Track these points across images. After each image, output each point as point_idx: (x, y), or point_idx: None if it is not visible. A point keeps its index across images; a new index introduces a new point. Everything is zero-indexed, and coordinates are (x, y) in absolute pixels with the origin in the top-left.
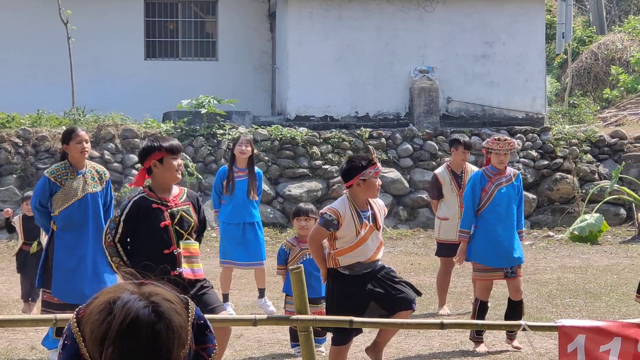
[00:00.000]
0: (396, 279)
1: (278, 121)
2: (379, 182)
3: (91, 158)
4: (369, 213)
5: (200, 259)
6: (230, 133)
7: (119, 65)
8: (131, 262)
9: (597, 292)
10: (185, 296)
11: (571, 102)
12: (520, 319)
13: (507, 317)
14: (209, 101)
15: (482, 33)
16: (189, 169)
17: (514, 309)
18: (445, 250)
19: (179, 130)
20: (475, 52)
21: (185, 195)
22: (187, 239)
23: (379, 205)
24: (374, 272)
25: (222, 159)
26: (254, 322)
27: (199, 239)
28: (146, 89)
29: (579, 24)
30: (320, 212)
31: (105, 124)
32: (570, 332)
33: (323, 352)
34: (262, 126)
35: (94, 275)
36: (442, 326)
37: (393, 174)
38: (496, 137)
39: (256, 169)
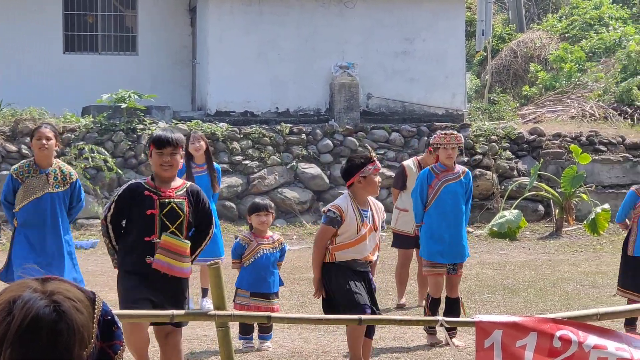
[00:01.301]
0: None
1: (198, 116)
2: (379, 179)
3: (7, 152)
4: (369, 213)
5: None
6: (151, 128)
7: (37, 59)
8: (120, 244)
9: (515, 288)
10: (93, 292)
11: (491, 98)
12: (458, 315)
13: (445, 315)
14: (129, 96)
15: (402, 29)
16: (108, 164)
17: (452, 306)
18: (400, 241)
19: (99, 125)
20: (395, 49)
21: (184, 189)
22: (172, 232)
23: (379, 207)
24: (367, 277)
25: (142, 154)
26: (171, 318)
27: (200, 236)
28: (65, 83)
29: (498, 21)
30: (322, 210)
31: (22, 118)
32: (487, 328)
33: (270, 347)
34: (182, 121)
35: (49, 273)
36: (360, 322)
37: (313, 169)
38: (443, 132)
39: (215, 163)
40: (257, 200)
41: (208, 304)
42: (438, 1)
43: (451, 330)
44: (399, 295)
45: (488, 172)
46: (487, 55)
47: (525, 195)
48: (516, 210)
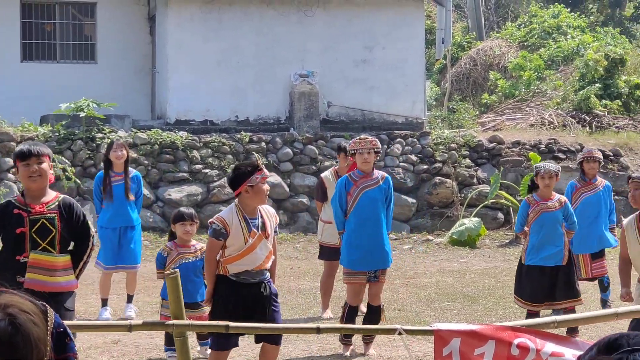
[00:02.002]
0: (275, 307)
1: (158, 125)
2: (266, 187)
3: None
4: (259, 221)
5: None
6: (110, 137)
7: None
8: None
9: (475, 296)
10: (43, 303)
11: (450, 107)
12: (377, 323)
13: (365, 323)
14: (88, 105)
15: (362, 38)
16: (67, 173)
17: (372, 314)
18: (327, 253)
19: (57, 134)
20: (355, 57)
21: (56, 203)
22: (44, 248)
23: (270, 213)
24: (262, 288)
25: (102, 163)
26: (129, 328)
27: (80, 249)
28: (23, 92)
29: (458, 29)
30: (209, 222)
31: None
32: (446, 336)
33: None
34: (142, 130)
35: None
36: (318, 331)
37: (273, 178)
38: (358, 138)
39: (134, 171)
40: (182, 209)
41: (131, 310)
42: (397, 10)
43: (368, 337)
44: (324, 307)
45: (448, 180)
46: (446, 63)
47: (485, 203)
48: (476, 218)
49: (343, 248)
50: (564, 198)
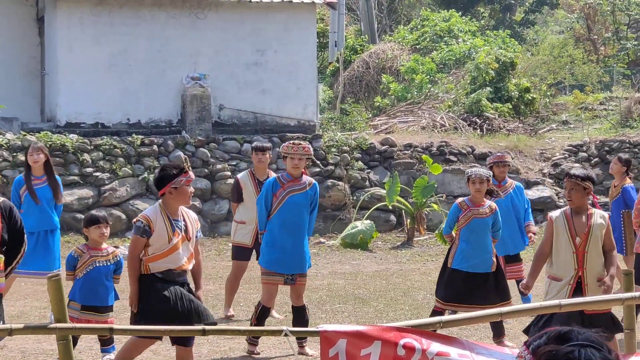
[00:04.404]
0: (194, 305)
1: (48, 128)
2: (191, 189)
3: None
4: (182, 223)
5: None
6: None
7: None
8: None
9: (366, 298)
10: None
11: (343, 109)
12: (306, 324)
13: (294, 324)
14: None
15: (254, 41)
16: None
17: (298, 314)
18: (239, 253)
19: None
20: (247, 60)
21: None
22: None
23: (192, 217)
24: (184, 287)
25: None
26: (10, 332)
27: (13, 252)
28: None
29: (351, 33)
30: (133, 221)
31: None
32: (332, 337)
33: (112, 358)
34: (31, 133)
35: None
36: (203, 332)
37: None
38: (292, 142)
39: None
40: (94, 212)
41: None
42: (289, 13)
43: (302, 340)
44: (227, 304)
45: (340, 183)
46: (339, 66)
47: (377, 205)
48: (368, 221)
49: (263, 248)
50: (494, 205)
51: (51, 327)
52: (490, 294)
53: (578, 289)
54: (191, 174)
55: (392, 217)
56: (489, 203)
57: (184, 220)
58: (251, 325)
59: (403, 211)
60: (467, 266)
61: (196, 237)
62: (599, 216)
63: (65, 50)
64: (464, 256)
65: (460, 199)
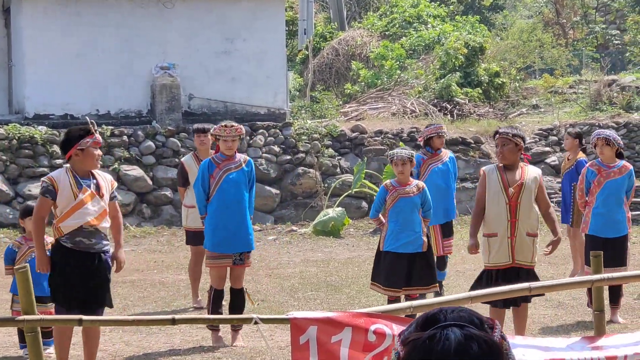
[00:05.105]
0: (105, 283)
1: (16, 120)
2: (98, 152)
3: None
4: (92, 182)
5: None
6: None
7: None
8: None
9: (339, 285)
10: None
11: (313, 97)
12: (242, 308)
13: (231, 308)
14: None
15: (222, 29)
16: None
17: (236, 297)
18: (193, 238)
19: None
20: (216, 49)
21: None
22: None
23: (106, 178)
24: (97, 260)
25: None
26: None
27: None
28: None
29: (320, 20)
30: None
31: None
32: (302, 324)
33: (52, 354)
34: None
35: None
36: (173, 322)
37: (136, 171)
38: (223, 124)
39: None
40: (30, 203)
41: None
42: (258, 1)
43: (237, 327)
44: (194, 293)
45: (311, 170)
46: (309, 54)
47: (349, 192)
48: (340, 208)
49: (207, 231)
50: (421, 184)
51: (20, 319)
52: (423, 275)
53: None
54: (98, 136)
55: (364, 204)
56: (415, 182)
57: (96, 179)
58: (208, 313)
59: (374, 197)
60: (398, 246)
61: (113, 197)
62: (532, 170)
63: (31, 41)
64: (394, 237)
65: (387, 181)
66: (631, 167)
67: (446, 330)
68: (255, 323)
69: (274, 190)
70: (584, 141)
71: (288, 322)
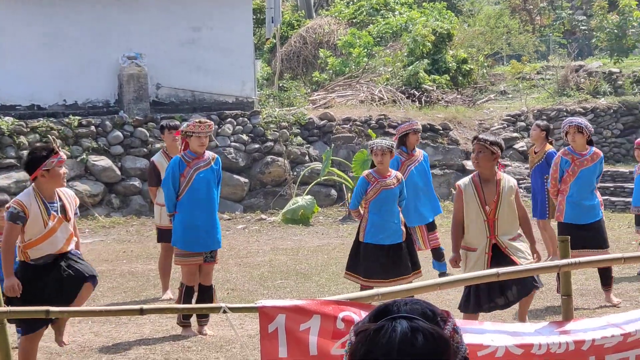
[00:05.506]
0: (80, 265)
1: None
2: (64, 170)
3: None
4: (58, 205)
5: None
6: None
7: None
8: None
9: (308, 273)
10: None
11: (281, 85)
12: (211, 302)
13: (198, 303)
14: None
15: (189, 18)
16: None
17: (205, 294)
18: (166, 236)
19: None
20: (183, 38)
21: None
22: None
23: (69, 196)
24: (61, 270)
25: None
26: None
27: None
28: None
29: (287, 8)
30: (5, 206)
31: None
32: (270, 312)
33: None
34: None
35: None
36: (141, 312)
37: (104, 162)
38: (197, 120)
39: None
40: None
41: None
42: None
43: (203, 319)
44: (163, 288)
45: (280, 159)
46: (276, 42)
47: (318, 180)
48: (309, 196)
49: (176, 230)
50: (400, 175)
51: None
52: (406, 264)
53: (495, 257)
54: (62, 154)
55: (333, 192)
56: (395, 173)
57: (61, 200)
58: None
59: (343, 185)
60: (381, 238)
61: (75, 214)
62: (507, 181)
63: None
64: (376, 228)
65: (366, 172)
66: (602, 153)
67: (394, 322)
68: (224, 312)
69: (242, 179)
70: (549, 136)
71: (256, 310)
